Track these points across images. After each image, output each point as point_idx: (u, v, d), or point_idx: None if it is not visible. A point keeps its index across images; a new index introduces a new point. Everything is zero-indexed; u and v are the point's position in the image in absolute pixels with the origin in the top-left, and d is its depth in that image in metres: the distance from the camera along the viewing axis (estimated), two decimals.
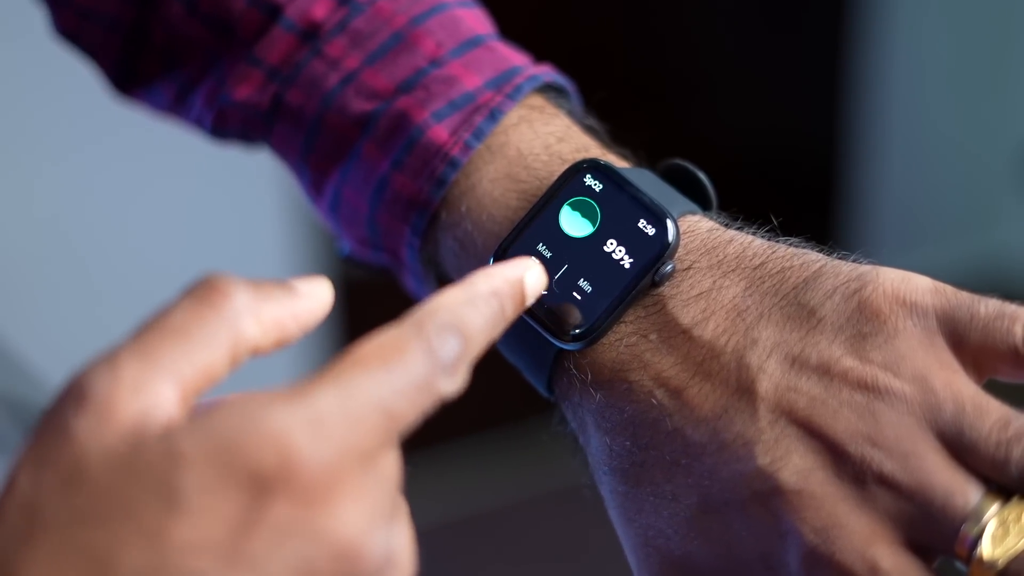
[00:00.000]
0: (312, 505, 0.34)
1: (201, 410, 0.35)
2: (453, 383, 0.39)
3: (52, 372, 1.75)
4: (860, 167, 2.46)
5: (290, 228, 1.87)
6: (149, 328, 0.36)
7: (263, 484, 0.34)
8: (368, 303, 1.55)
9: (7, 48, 1.59)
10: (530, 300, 0.46)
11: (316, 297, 0.41)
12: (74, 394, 0.35)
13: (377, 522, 0.36)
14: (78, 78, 0.65)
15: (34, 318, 1.78)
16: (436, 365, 0.38)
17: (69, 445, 0.34)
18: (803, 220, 2.52)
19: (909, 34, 2.40)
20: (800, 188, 2.47)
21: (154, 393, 0.35)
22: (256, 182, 1.76)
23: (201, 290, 0.38)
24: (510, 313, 0.43)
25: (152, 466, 0.33)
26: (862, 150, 2.44)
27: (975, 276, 2.59)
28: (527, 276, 0.45)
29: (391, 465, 0.37)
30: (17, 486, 0.34)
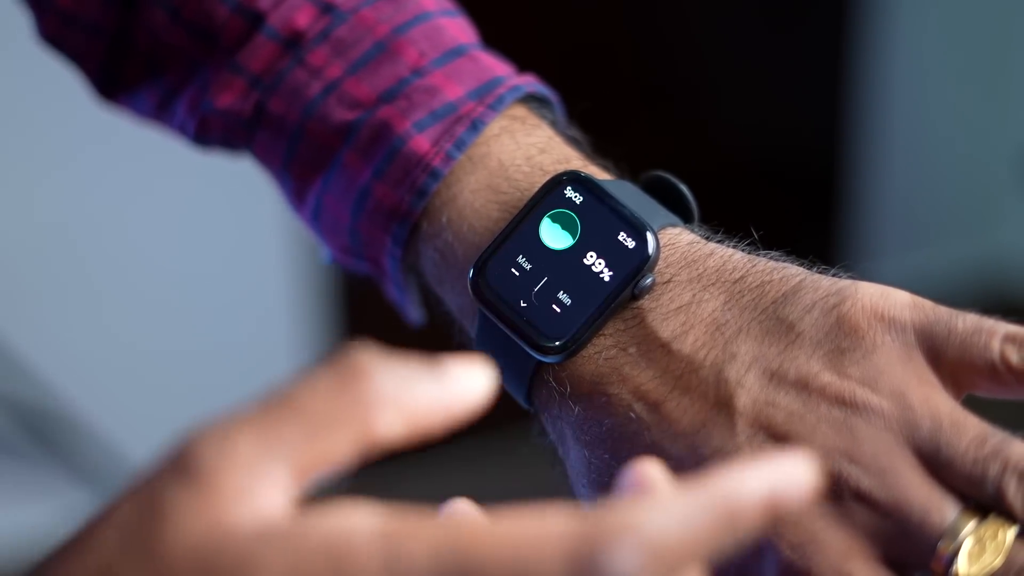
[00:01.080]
0: None
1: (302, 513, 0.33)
2: None
3: (52, 372, 1.75)
4: (861, 168, 2.46)
5: (292, 230, 1.87)
6: (276, 404, 0.33)
7: None
8: (370, 302, 1.55)
9: (8, 52, 1.59)
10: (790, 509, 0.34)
11: (469, 385, 0.35)
12: (182, 464, 0.33)
13: None
14: (80, 82, 0.66)
15: (35, 319, 1.78)
16: None
17: (161, 520, 0.32)
18: (804, 221, 2.52)
19: (910, 35, 2.40)
20: (802, 189, 2.46)
21: (265, 475, 0.33)
22: (258, 185, 1.76)
23: (342, 368, 0.34)
24: (740, 528, 0.33)
25: (226, 573, 0.32)
26: (863, 151, 2.44)
27: (975, 276, 2.58)
28: (782, 496, 0.33)
29: None
30: (99, 545, 0.32)
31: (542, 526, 0.31)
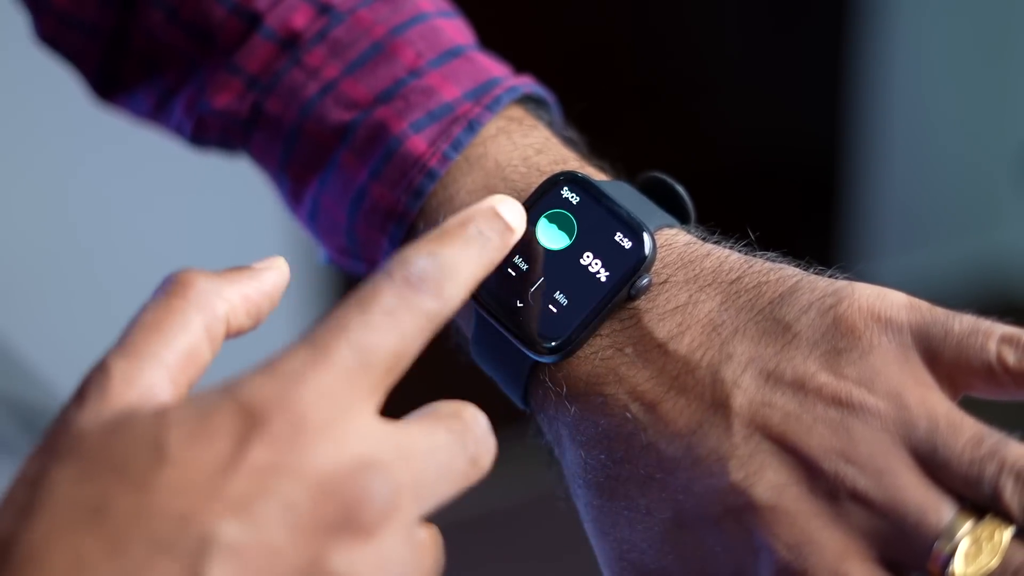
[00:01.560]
0: (288, 447, 0.36)
1: None
2: (438, 299, 0.40)
3: (52, 372, 1.75)
4: (862, 167, 2.46)
5: (290, 229, 1.87)
6: (128, 329, 0.40)
7: (241, 434, 0.36)
8: None
9: (10, 51, 1.59)
10: (514, 223, 0.46)
11: (274, 269, 0.45)
12: (73, 398, 0.38)
13: (373, 469, 0.36)
14: (78, 82, 0.66)
15: (34, 319, 1.78)
16: (405, 286, 0.39)
17: (69, 431, 0.37)
18: (804, 221, 2.52)
19: (911, 35, 2.40)
20: (802, 188, 2.46)
21: (144, 382, 0.39)
22: (256, 185, 1.75)
23: (167, 286, 0.41)
24: (491, 234, 0.44)
25: (142, 429, 0.36)
26: (864, 151, 2.44)
27: (975, 276, 2.58)
28: (500, 205, 0.45)
29: (384, 426, 0.38)
30: (23, 472, 0.36)
31: (291, 348, 0.38)
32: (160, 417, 0.36)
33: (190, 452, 0.35)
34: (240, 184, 1.78)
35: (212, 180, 1.77)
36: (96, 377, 0.38)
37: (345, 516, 0.36)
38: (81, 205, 1.77)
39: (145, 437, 0.36)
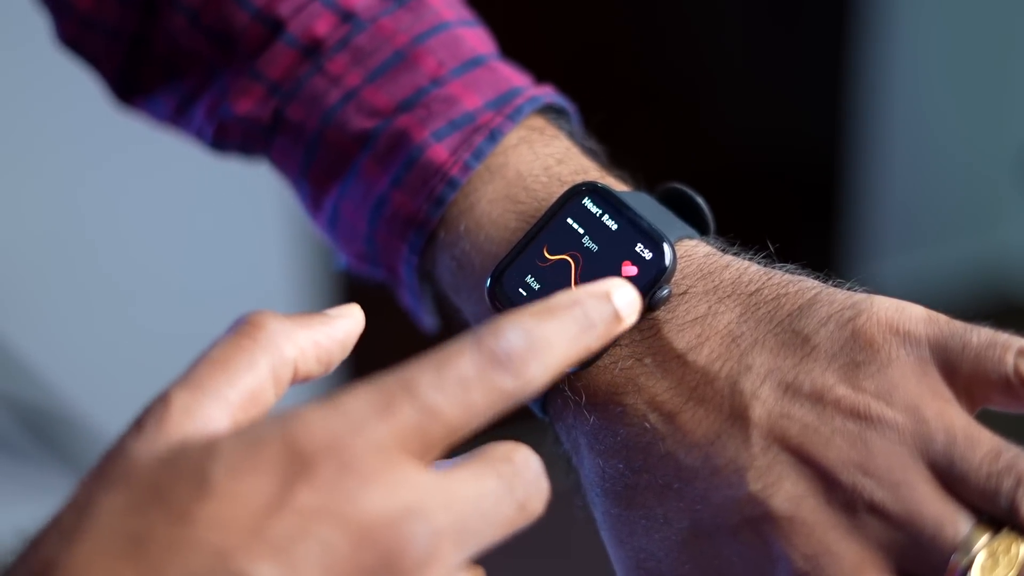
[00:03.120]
0: (333, 492, 0.35)
1: None
2: (517, 380, 0.38)
3: (52, 372, 1.75)
4: (863, 168, 2.46)
5: (295, 233, 1.86)
6: (195, 363, 0.40)
7: (288, 473, 0.35)
8: (377, 308, 1.55)
9: (16, 56, 1.59)
10: (625, 313, 0.43)
11: (348, 317, 0.44)
12: (132, 426, 0.38)
13: (414, 516, 0.36)
14: (86, 82, 0.66)
15: (35, 319, 1.78)
16: (488, 359, 0.38)
17: (123, 459, 0.37)
18: (805, 221, 2.51)
19: (911, 35, 2.40)
20: (803, 189, 2.47)
21: (203, 416, 0.38)
22: (262, 188, 1.76)
23: (239, 325, 0.41)
24: (597, 319, 0.42)
25: (190, 459, 0.36)
26: (865, 151, 2.44)
27: (976, 276, 2.59)
28: (615, 291, 0.43)
29: (430, 475, 0.37)
30: (73, 497, 0.37)
31: (356, 390, 0.37)
32: (208, 448, 0.36)
33: (234, 486, 0.35)
34: (245, 188, 1.78)
35: (216, 183, 1.77)
36: (156, 407, 0.38)
37: (384, 563, 0.35)
38: (81, 204, 1.77)
39: (191, 467, 0.36)
